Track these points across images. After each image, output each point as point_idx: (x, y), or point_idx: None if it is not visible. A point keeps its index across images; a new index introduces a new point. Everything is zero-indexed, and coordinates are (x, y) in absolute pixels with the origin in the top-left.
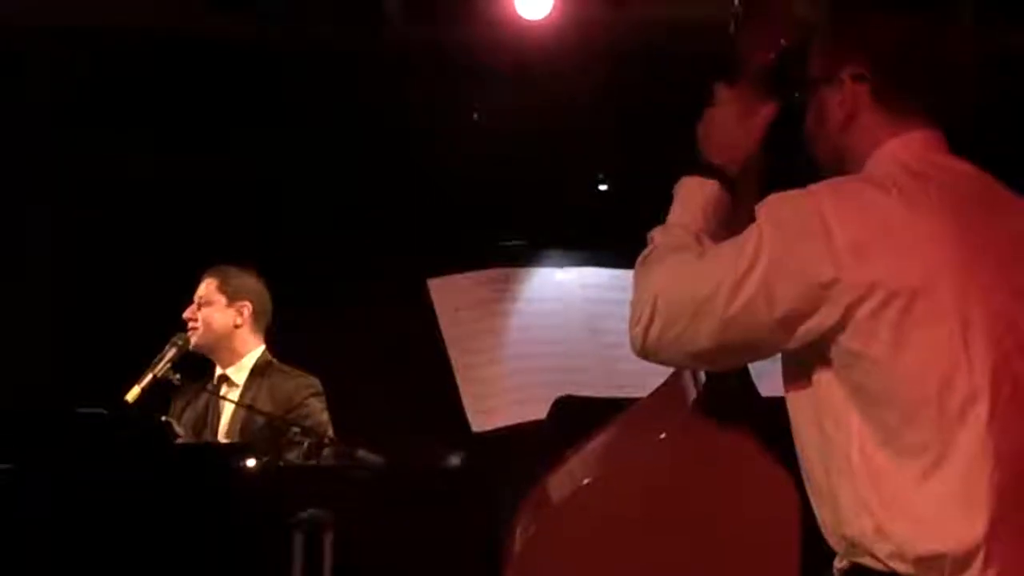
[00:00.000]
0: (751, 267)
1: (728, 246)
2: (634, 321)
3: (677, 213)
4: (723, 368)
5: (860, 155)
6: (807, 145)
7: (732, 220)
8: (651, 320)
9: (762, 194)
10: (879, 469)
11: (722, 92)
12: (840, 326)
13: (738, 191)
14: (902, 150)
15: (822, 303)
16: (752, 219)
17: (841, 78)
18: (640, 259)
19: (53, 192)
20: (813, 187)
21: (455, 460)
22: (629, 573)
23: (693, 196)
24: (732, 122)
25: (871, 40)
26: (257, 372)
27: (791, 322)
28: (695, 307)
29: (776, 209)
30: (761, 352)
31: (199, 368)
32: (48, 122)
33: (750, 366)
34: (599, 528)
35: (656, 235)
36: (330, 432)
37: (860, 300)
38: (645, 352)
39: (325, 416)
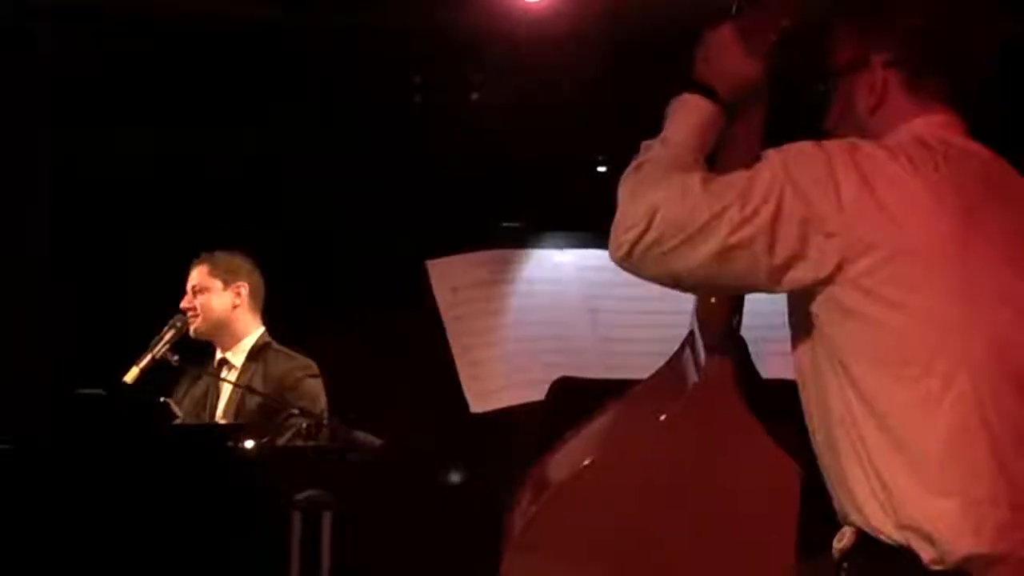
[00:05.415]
0: (761, 204)
1: (737, 178)
2: (623, 228)
3: (674, 130)
4: (696, 292)
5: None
6: (832, 129)
7: (723, 148)
8: (645, 230)
9: (763, 137)
10: (873, 433)
11: (726, 24)
12: (831, 279)
13: (733, 120)
14: (920, 126)
15: (818, 252)
16: (749, 157)
17: (871, 64)
18: (634, 166)
19: (52, 175)
20: (829, 143)
21: (453, 442)
22: (628, 553)
23: (691, 115)
24: (734, 48)
25: (900, 26)
26: (255, 353)
27: (784, 265)
28: (695, 229)
29: (791, 156)
30: (743, 288)
31: (200, 353)
32: (48, 104)
33: (750, 347)
34: (599, 509)
35: (653, 146)
36: (326, 413)
37: (856, 256)
38: (628, 260)
39: (321, 397)
